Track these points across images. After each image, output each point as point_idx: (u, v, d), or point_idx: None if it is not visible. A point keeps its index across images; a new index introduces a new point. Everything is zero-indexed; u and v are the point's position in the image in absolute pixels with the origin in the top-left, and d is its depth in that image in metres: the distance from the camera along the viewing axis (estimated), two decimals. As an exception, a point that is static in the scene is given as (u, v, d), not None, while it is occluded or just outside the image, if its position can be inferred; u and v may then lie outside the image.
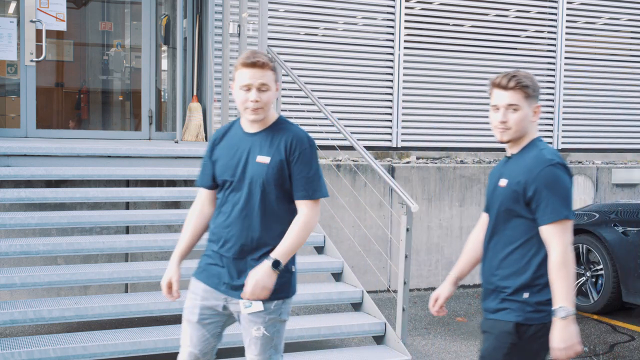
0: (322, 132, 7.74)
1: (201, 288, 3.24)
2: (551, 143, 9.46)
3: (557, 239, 2.84)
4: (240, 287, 3.14)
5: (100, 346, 4.64)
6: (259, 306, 3.15)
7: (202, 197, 3.35)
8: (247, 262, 3.16)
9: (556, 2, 9.35)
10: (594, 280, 7.03)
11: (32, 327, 5.91)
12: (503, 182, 3.00)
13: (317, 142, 7.49)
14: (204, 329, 3.26)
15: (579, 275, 7.17)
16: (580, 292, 7.14)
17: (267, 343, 3.22)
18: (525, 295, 2.92)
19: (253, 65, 3.08)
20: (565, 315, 2.79)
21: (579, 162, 9.26)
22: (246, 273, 3.12)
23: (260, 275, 3.05)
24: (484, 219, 3.22)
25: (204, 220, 3.34)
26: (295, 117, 7.64)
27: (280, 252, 3.10)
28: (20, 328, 5.88)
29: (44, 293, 6.19)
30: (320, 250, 6.05)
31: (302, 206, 3.17)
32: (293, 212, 3.19)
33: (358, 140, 6.48)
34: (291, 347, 5.43)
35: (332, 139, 7.44)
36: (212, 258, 3.24)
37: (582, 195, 8.75)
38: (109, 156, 6.02)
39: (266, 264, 3.07)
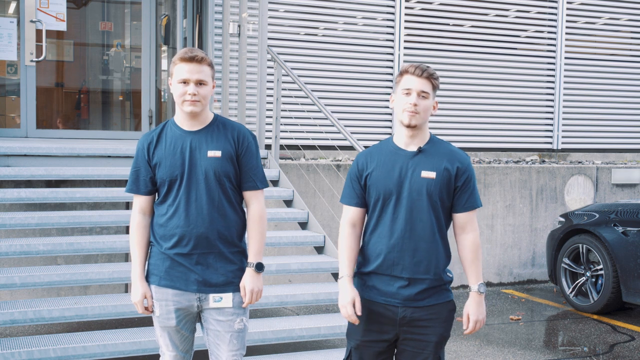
0: (322, 132, 7.74)
1: (170, 293, 3.25)
2: (551, 143, 9.48)
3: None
4: (210, 282, 3.21)
5: (100, 346, 4.64)
6: (228, 301, 3.24)
7: (141, 207, 3.29)
8: (211, 255, 3.22)
9: (556, 2, 9.35)
10: (594, 280, 7.03)
11: (32, 327, 5.91)
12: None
13: (317, 142, 7.54)
14: (183, 329, 3.31)
15: (579, 275, 7.17)
16: (580, 292, 7.14)
17: (245, 334, 3.33)
18: None
19: (191, 60, 3.13)
20: None
21: (579, 162, 9.26)
22: (213, 266, 3.21)
23: (252, 284, 3.25)
24: None
25: (148, 231, 3.31)
26: (296, 117, 7.65)
27: (255, 254, 3.28)
28: (20, 328, 5.88)
29: (44, 293, 6.19)
30: (320, 250, 6.05)
31: (252, 197, 3.29)
32: (242, 201, 3.34)
33: (358, 140, 6.48)
34: (291, 347, 5.43)
35: (332, 139, 7.45)
36: (170, 260, 3.23)
37: (582, 195, 8.75)
38: (109, 156, 6.02)
39: (250, 271, 3.26)
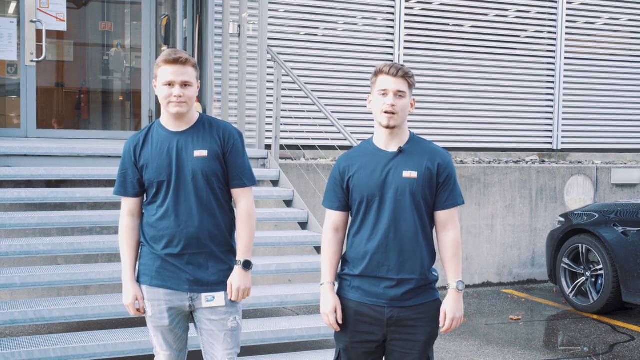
0: (322, 132, 7.74)
1: (162, 292, 3.26)
2: (551, 143, 9.48)
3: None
4: (202, 282, 3.22)
5: (100, 346, 4.64)
6: (221, 300, 3.24)
7: (130, 209, 3.30)
8: (203, 255, 3.23)
9: (556, 2, 9.36)
10: (593, 280, 7.04)
11: (32, 327, 5.92)
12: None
13: (317, 142, 7.54)
14: (176, 328, 3.32)
15: (578, 275, 7.17)
16: (580, 292, 7.14)
17: (239, 332, 3.33)
18: None
19: (175, 62, 3.13)
20: None
21: (579, 162, 9.26)
22: (205, 266, 3.23)
23: (239, 282, 3.26)
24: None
25: (137, 232, 3.32)
26: (296, 117, 7.65)
27: (243, 251, 3.29)
28: (21, 328, 5.88)
29: (44, 293, 6.19)
30: (320, 250, 6.05)
31: (240, 195, 3.30)
32: (231, 199, 3.34)
33: (358, 140, 6.48)
34: (291, 347, 5.43)
35: (332, 139, 7.45)
36: (161, 260, 3.24)
37: (581, 195, 8.76)
38: (109, 156, 6.02)
39: (238, 269, 3.26)
